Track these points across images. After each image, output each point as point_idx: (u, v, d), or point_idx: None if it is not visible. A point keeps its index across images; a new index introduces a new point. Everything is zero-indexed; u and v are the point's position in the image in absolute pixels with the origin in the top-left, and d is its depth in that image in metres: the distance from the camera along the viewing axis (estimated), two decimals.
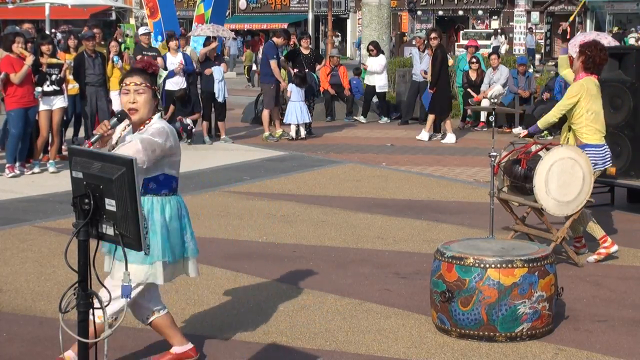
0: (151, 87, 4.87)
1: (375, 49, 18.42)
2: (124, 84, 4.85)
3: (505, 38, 39.28)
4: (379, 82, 18.33)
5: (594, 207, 8.47)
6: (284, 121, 15.93)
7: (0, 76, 11.36)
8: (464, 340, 5.61)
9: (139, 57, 4.10)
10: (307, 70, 16.17)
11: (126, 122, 4.85)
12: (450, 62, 16.44)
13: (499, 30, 40.44)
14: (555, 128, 15.74)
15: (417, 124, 17.58)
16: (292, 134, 15.67)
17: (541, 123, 7.72)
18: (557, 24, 42.88)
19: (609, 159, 7.63)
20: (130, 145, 4.69)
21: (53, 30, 23.35)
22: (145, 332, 5.76)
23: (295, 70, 16.14)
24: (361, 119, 18.51)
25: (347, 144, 15.19)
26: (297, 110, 15.53)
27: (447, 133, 15.68)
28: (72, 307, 3.86)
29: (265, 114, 15.76)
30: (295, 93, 15.53)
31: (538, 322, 5.63)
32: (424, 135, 15.71)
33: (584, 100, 7.43)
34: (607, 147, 7.63)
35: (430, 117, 15.80)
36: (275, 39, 15.99)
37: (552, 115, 7.62)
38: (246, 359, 5.37)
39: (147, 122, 4.86)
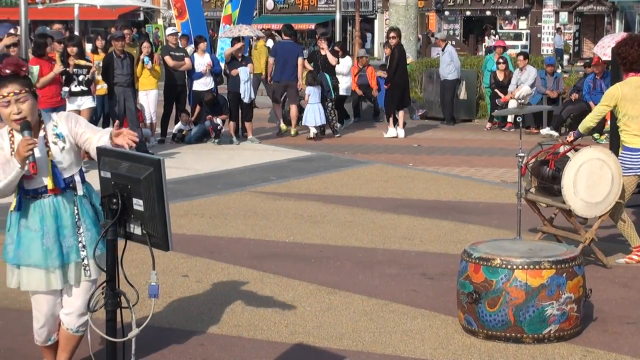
0: (30, 90, 4.55)
1: (341, 50, 18.08)
2: (1, 96, 4.46)
3: (498, 37, 39.15)
4: (344, 84, 17.52)
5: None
6: (303, 123, 15.98)
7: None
8: (491, 342, 5.59)
9: (5, 60, 4.02)
10: (321, 71, 16.21)
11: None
12: (410, 60, 16.42)
13: (493, 31, 40.45)
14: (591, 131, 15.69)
15: (441, 124, 17.59)
16: (312, 134, 15.73)
17: (581, 128, 7.50)
18: (585, 24, 42.58)
19: None
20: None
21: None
22: (170, 331, 5.79)
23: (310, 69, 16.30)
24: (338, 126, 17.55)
25: (374, 145, 15.18)
26: (315, 113, 15.59)
27: (388, 128, 15.99)
28: (101, 307, 3.89)
29: (294, 110, 15.85)
30: (313, 95, 15.59)
31: (566, 324, 5.59)
32: (399, 132, 15.97)
33: (620, 105, 7.35)
34: None
35: (400, 114, 16.06)
36: (287, 38, 16.13)
37: (589, 120, 7.51)
38: (273, 358, 5.38)
39: (42, 124, 4.64)
